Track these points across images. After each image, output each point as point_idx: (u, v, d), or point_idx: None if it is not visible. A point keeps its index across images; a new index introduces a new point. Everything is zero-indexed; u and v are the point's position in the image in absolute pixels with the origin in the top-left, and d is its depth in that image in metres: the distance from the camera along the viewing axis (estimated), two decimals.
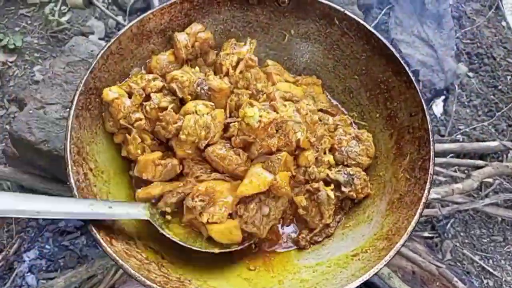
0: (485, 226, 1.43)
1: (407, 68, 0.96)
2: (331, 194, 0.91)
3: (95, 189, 0.87)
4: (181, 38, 1.03)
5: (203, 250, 0.87)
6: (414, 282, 1.27)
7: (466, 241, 1.40)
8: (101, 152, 0.94)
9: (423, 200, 0.83)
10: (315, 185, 0.91)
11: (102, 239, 0.77)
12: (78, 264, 1.20)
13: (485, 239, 1.40)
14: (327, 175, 0.93)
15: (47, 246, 1.23)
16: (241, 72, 1.00)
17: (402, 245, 0.79)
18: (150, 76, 0.98)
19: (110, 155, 0.96)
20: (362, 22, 1.02)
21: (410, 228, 0.80)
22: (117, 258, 0.75)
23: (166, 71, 0.99)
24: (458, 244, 1.39)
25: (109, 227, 0.82)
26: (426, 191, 0.84)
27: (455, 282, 1.19)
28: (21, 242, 1.24)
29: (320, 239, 0.93)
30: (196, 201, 0.86)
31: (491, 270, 1.34)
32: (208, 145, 0.91)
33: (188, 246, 0.87)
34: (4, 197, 0.72)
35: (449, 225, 1.40)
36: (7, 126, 1.39)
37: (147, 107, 0.93)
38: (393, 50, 0.98)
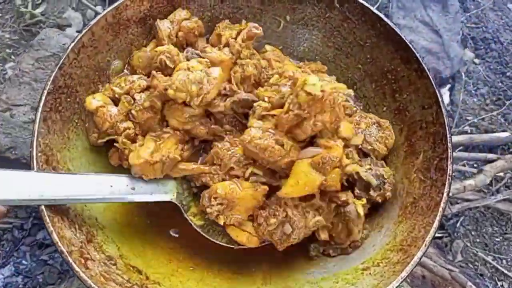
0: (497, 223, 1.33)
1: (418, 55, 0.86)
2: (361, 210, 0.79)
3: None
4: (164, 26, 0.91)
5: (224, 244, 0.82)
6: (424, 287, 1.17)
7: (478, 240, 1.31)
8: (74, 159, 0.83)
9: (442, 205, 0.73)
10: (343, 197, 0.79)
11: (75, 262, 0.66)
12: (59, 280, 1.09)
13: (497, 237, 1.31)
14: (358, 173, 0.81)
15: (23, 262, 1.12)
16: (243, 41, 0.88)
17: (420, 258, 0.69)
18: (134, 77, 0.87)
19: (85, 161, 0.85)
20: (366, 4, 0.91)
21: (428, 239, 0.70)
22: (93, 284, 0.64)
23: (150, 70, 0.88)
24: (469, 244, 1.29)
25: (82, 249, 0.71)
26: (445, 195, 0.74)
27: (469, 287, 1.10)
28: None
29: (335, 254, 0.82)
30: (213, 205, 0.76)
31: (505, 271, 1.25)
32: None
33: (209, 237, 0.82)
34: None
35: (459, 223, 1.31)
36: None
37: (133, 111, 0.83)
38: (402, 35, 0.88)
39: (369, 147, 0.87)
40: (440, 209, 0.73)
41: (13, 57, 1.42)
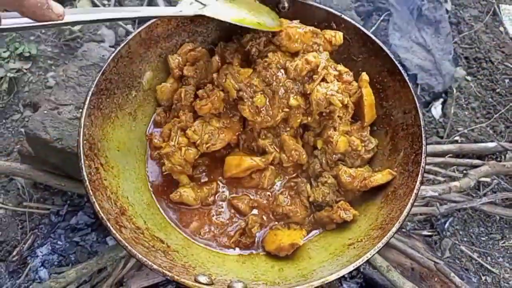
0: (483, 224, 1.45)
1: (400, 68, 1.01)
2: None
3: (106, 182, 0.93)
4: (173, 59, 1.09)
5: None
6: (413, 278, 1.30)
7: (465, 239, 1.43)
8: (111, 149, 1.00)
9: (415, 191, 0.87)
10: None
11: (112, 226, 0.82)
12: (89, 259, 1.25)
13: (483, 237, 1.43)
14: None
15: (59, 242, 1.28)
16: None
17: (395, 233, 0.83)
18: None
19: (120, 152, 1.02)
20: (358, 25, 1.07)
21: (402, 217, 0.84)
22: (126, 244, 0.80)
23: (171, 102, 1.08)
24: (457, 242, 1.42)
25: (117, 218, 0.87)
26: (418, 183, 0.88)
27: (452, 277, 1.21)
28: (35, 238, 1.30)
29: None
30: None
31: (489, 267, 1.37)
32: None
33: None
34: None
35: (447, 223, 1.44)
36: (22, 129, 1.46)
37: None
38: (388, 51, 1.04)
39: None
40: (413, 194, 0.87)
41: (53, 67, 1.62)
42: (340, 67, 1.03)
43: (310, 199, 1.00)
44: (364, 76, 1.02)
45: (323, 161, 1.02)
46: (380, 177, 0.96)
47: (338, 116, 0.99)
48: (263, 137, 1.03)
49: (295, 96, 0.98)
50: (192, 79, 1.08)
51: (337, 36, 1.04)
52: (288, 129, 1.03)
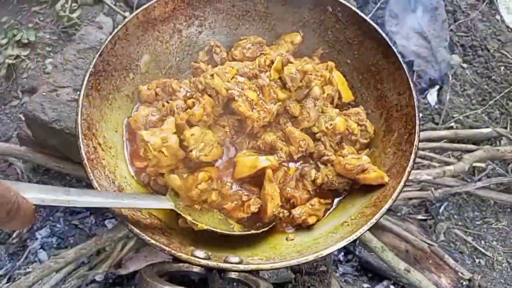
0: (478, 209, 1.47)
1: (395, 50, 1.02)
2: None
3: (104, 161, 0.94)
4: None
5: (236, 233, 0.91)
6: (408, 260, 1.32)
7: (460, 223, 1.45)
8: (109, 130, 1.01)
9: (408, 169, 0.89)
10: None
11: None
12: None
13: (478, 221, 1.45)
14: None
15: (58, 225, 1.30)
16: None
17: (387, 209, 0.85)
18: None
19: (118, 133, 1.03)
20: (354, 8, 1.08)
21: (395, 194, 0.86)
22: (125, 220, 0.81)
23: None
24: (451, 226, 1.43)
25: None
26: (411, 161, 0.90)
27: (446, 259, 1.23)
28: (34, 221, 1.31)
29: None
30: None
31: (483, 250, 1.39)
32: None
33: (220, 231, 0.89)
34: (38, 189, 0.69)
35: (442, 208, 1.45)
36: (21, 115, 1.47)
37: None
38: (383, 33, 1.05)
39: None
40: (407, 172, 0.88)
41: (51, 54, 1.63)
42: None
43: (318, 182, 1.00)
44: (330, 63, 1.09)
45: (327, 144, 1.02)
46: (373, 177, 0.95)
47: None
48: (269, 133, 1.01)
49: (282, 89, 1.01)
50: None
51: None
52: (286, 121, 1.04)
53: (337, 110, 1.05)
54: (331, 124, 1.00)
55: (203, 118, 0.97)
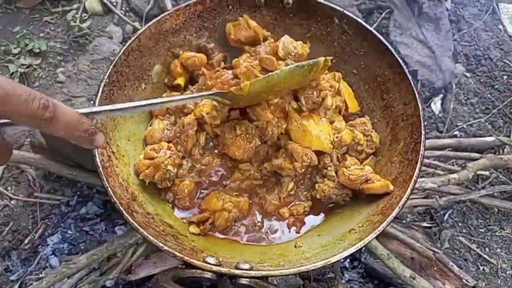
0: (482, 216, 1.49)
1: (400, 61, 1.05)
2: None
3: (117, 169, 0.97)
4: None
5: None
6: (413, 267, 1.33)
7: (464, 231, 1.46)
8: (122, 139, 1.04)
9: (414, 177, 0.91)
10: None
11: (125, 210, 0.86)
12: (98, 246, 1.29)
13: (482, 228, 1.47)
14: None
15: (69, 231, 1.32)
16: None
17: (394, 217, 0.87)
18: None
19: (130, 142, 1.06)
20: (359, 20, 1.11)
21: (402, 202, 0.88)
22: (138, 226, 0.84)
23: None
24: (456, 233, 1.45)
25: (129, 203, 0.91)
26: (417, 170, 0.92)
27: (451, 266, 1.25)
28: (45, 227, 1.34)
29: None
30: None
31: (487, 257, 1.40)
32: None
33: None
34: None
35: (447, 215, 1.47)
36: None
37: None
38: (388, 44, 1.07)
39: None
40: (413, 180, 0.91)
41: (63, 63, 1.67)
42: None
43: (317, 196, 1.03)
44: (337, 74, 1.10)
45: (334, 157, 1.04)
46: (378, 187, 0.97)
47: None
48: (275, 156, 1.04)
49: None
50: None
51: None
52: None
53: (344, 122, 1.07)
54: (337, 137, 1.03)
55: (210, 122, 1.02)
